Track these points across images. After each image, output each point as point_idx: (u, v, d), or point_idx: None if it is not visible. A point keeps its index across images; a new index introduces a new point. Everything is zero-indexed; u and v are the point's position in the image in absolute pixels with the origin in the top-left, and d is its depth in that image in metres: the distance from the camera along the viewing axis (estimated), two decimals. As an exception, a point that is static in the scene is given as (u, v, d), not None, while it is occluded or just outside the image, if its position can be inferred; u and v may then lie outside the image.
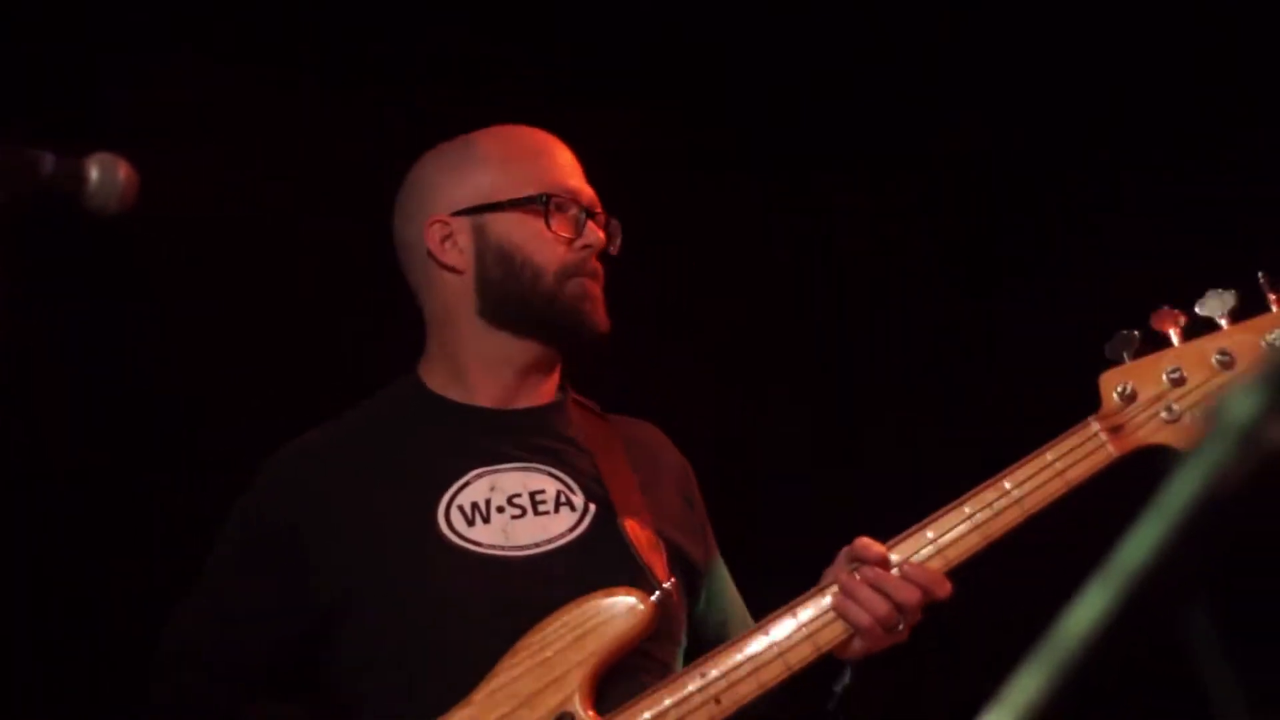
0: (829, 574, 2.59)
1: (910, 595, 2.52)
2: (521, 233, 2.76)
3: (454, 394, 2.79)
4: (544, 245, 2.74)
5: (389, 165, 3.01)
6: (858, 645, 2.56)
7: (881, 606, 2.51)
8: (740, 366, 4.39)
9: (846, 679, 2.61)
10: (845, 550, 2.58)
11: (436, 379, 2.81)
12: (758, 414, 4.36)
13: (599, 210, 2.81)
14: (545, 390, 2.82)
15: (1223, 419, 0.94)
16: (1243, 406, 0.94)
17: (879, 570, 2.53)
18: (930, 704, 4.10)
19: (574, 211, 2.77)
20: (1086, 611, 0.95)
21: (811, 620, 2.55)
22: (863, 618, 2.52)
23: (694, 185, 4.42)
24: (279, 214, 4.08)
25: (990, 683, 0.99)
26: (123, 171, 1.91)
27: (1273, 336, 2.47)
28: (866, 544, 2.55)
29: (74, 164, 1.90)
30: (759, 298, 4.44)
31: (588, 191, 2.81)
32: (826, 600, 2.55)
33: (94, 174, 1.90)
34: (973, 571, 2.57)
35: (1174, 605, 0.95)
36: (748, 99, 4.41)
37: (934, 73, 4.37)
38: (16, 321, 3.80)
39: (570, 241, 2.75)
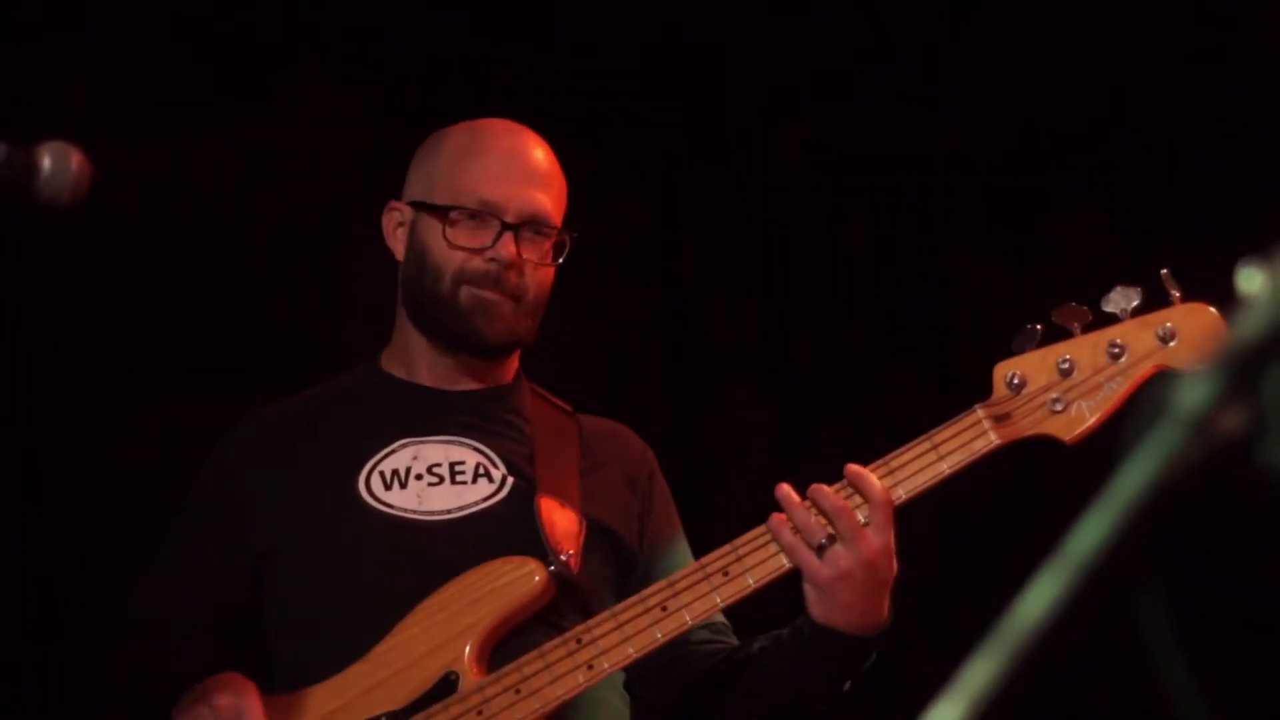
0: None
1: (835, 501, 2.51)
2: (433, 236, 2.82)
3: (400, 373, 2.90)
4: (446, 251, 2.80)
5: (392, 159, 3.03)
6: (810, 592, 2.54)
7: (804, 515, 2.51)
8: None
9: (870, 662, 2.61)
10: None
11: (390, 360, 2.93)
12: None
13: (540, 224, 2.81)
14: (493, 375, 2.90)
15: (1174, 408, 0.94)
16: (1194, 395, 0.94)
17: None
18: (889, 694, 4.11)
19: (489, 226, 2.78)
20: (1038, 600, 0.95)
21: (687, 590, 2.59)
22: (784, 535, 2.52)
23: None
24: (277, 211, 4.09)
25: (941, 673, 0.99)
26: (75, 161, 1.88)
27: (1164, 330, 2.49)
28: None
29: (26, 153, 1.88)
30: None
31: (522, 206, 2.80)
32: (702, 574, 2.59)
33: (46, 163, 1.87)
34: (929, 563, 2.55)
35: (1125, 593, 0.96)
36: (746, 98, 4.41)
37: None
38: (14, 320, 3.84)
39: (477, 251, 2.78)
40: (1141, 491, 0.93)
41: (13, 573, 3.87)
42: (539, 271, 2.81)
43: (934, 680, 1.00)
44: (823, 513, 2.51)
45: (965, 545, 4.28)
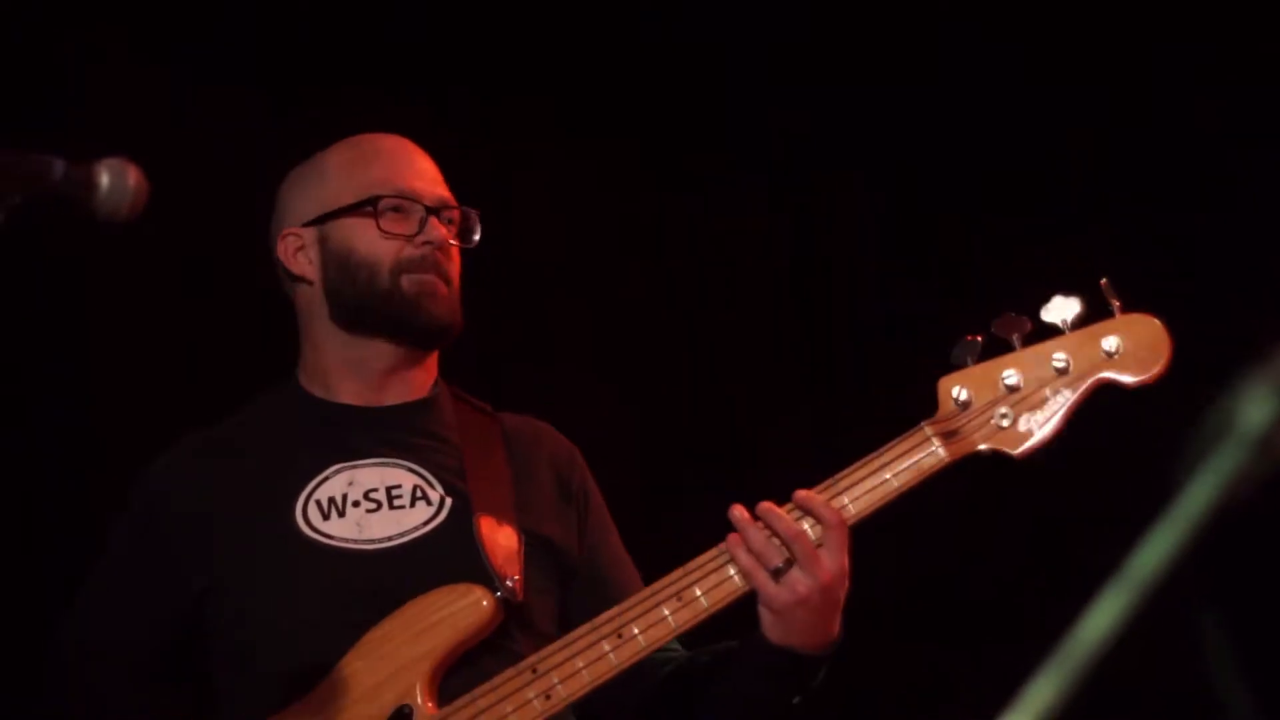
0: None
1: (787, 526, 2.49)
2: (357, 236, 2.82)
3: (322, 394, 2.86)
4: (378, 244, 2.81)
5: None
6: (765, 616, 2.52)
7: (758, 538, 2.49)
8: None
9: (820, 678, 2.60)
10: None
11: (308, 381, 2.89)
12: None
13: (452, 207, 2.86)
14: (415, 386, 2.88)
15: (1238, 427, 0.94)
16: (1258, 414, 0.94)
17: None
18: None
19: (413, 211, 2.81)
20: (1102, 618, 0.95)
21: (641, 617, 2.57)
22: (744, 557, 2.50)
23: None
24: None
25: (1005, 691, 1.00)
26: (133, 178, 1.88)
27: (1111, 344, 2.49)
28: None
29: (84, 170, 1.88)
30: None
31: (434, 193, 2.84)
32: (659, 605, 2.57)
33: (104, 180, 1.87)
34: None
35: (1188, 611, 0.96)
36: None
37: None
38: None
39: (408, 238, 2.80)
40: (1205, 510, 0.94)
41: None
42: (456, 254, 2.86)
43: (998, 699, 1.00)
44: (777, 536, 2.49)
45: (1025, 564, 4.28)
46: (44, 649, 2.90)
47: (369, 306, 2.80)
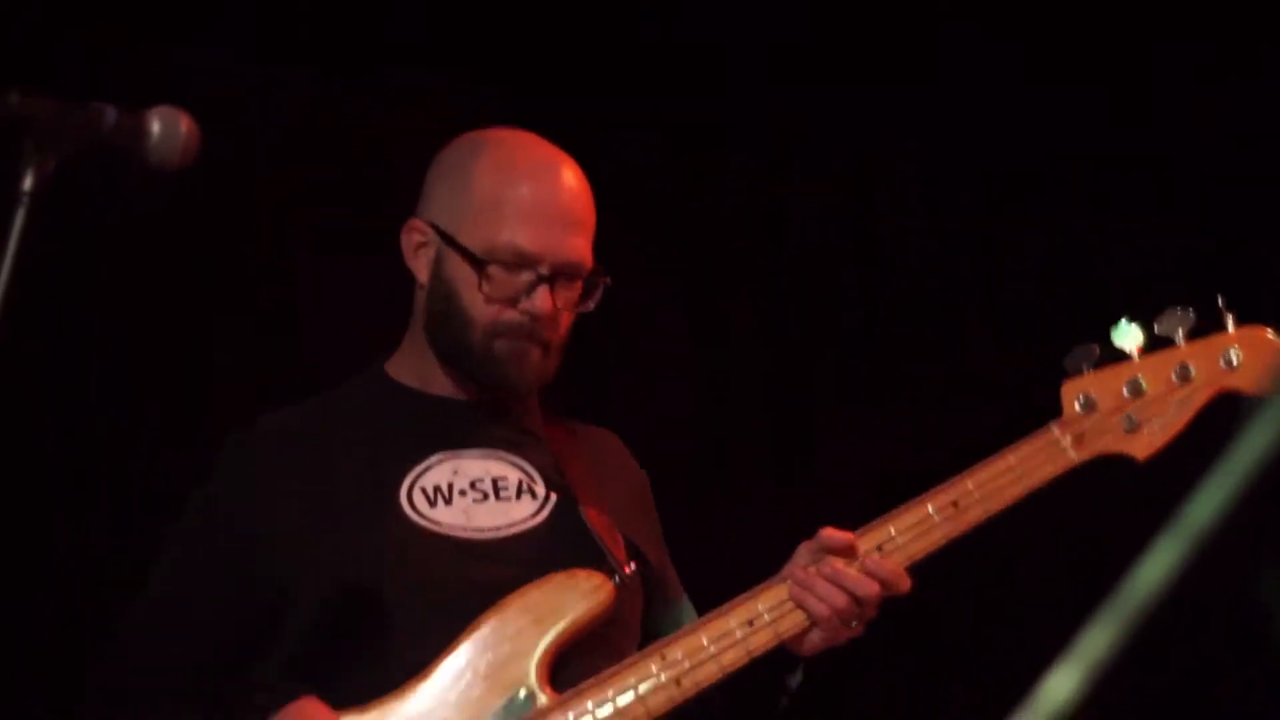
0: (789, 565, 2.61)
1: (869, 589, 2.55)
2: (463, 284, 2.69)
3: (416, 385, 2.78)
4: (478, 304, 2.67)
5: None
6: (815, 637, 2.58)
7: (840, 599, 2.55)
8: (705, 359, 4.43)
9: (799, 677, 2.65)
10: (806, 543, 2.61)
11: (400, 370, 2.80)
12: (719, 411, 4.38)
13: (577, 273, 2.68)
14: None
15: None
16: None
17: (838, 566, 2.56)
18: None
19: (524, 276, 2.65)
20: (1156, 567, 0.95)
21: (773, 608, 2.58)
22: (820, 609, 2.55)
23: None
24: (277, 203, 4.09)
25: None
26: (185, 125, 1.86)
27: (1228, 355, 2.61)
28: (832, 533, 2.59)
29: (135, 118, 1.86)
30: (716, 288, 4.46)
31: (557, 255, 2.66)
32: (787, 588, 2.59)
33: (156, 128, 1.86)
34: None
35: (1243, 562, 0.96)
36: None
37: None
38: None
39: (510, 302, 2.66)
40: (1261, 461, 0.94)
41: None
42: (567, 315, 2.70)
43: (1051, 649, 1.00)
44: (847, 591, 2.55)
45: (1082, 515, 4.28)
46: (112, 625, 2.78)
47: (457, 354, 2.71)
